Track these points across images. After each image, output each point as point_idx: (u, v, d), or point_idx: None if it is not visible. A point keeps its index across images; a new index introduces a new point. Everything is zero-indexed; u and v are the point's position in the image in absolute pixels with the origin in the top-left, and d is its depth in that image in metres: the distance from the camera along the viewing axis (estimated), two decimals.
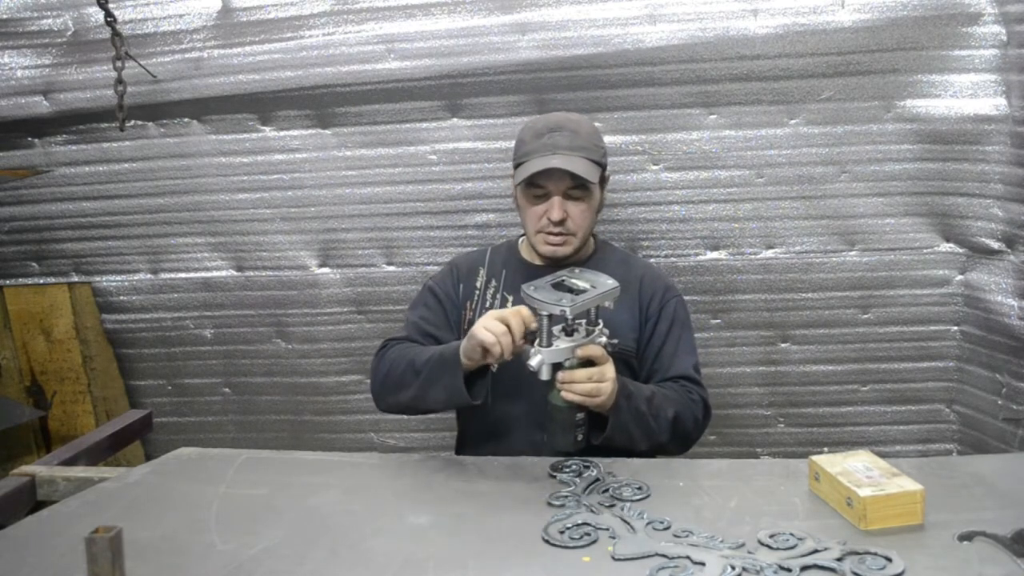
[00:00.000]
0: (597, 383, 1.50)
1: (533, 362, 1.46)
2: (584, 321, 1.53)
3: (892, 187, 2.22)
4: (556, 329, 1.50)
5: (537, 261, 1.87)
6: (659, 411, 1.63)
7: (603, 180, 1.84)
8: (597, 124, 2.24)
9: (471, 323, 1.79)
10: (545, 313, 1.46)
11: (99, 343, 2.66)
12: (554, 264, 1.81)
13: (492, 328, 1.48)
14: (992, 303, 2.17)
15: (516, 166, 1.81)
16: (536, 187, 1.76)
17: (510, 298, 1.82)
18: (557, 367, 1.48)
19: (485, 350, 1.49)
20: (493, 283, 1.87)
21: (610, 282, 1.52)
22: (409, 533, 1.30)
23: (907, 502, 1.22)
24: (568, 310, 1.44)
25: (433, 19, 2.23)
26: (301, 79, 2.29)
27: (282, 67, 2.29)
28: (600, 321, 1.54)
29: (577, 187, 1.75)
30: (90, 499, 1.47)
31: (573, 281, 1.53)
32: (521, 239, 1.94)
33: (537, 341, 1.48)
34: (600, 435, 1.58)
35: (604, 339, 1.52)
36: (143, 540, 1.25)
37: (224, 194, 2.45)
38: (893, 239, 2.26)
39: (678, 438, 1.69)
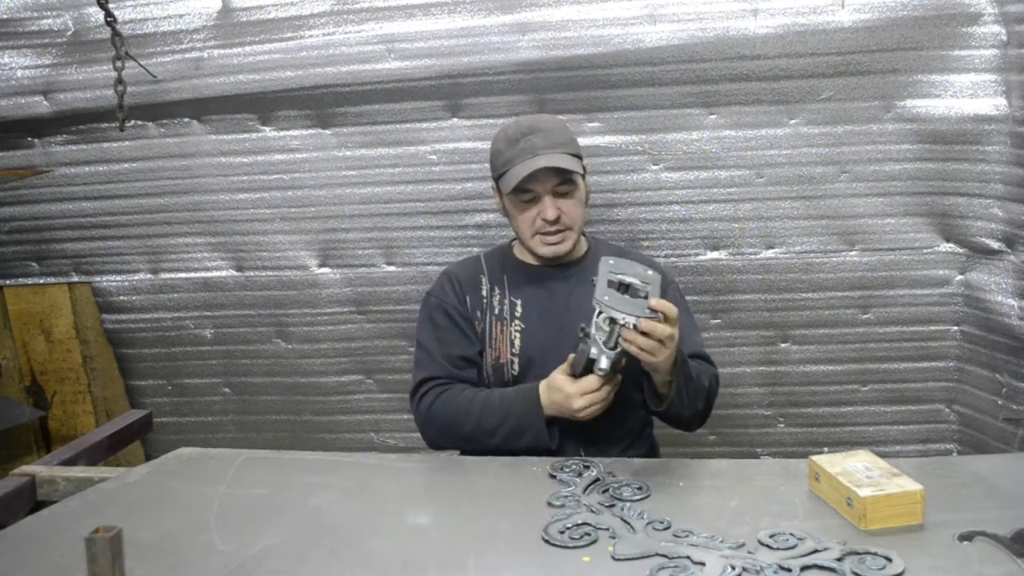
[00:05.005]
0: (663, 341, 1.48)
1: (604, 364, 1.51)
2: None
3: (892, 187, 2.22)
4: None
5: (533, 262, 1.87)
6: (699, 377, 1.69)
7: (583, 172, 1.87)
8: (596, 124, 2.26)
9: (484, 333, 1.81)
10: (621, 321, 1.48)
11: (99, 343, 2.66)
12: (551, 263, 1.83)
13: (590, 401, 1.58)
14: (992, 303, 2.17)
15: (498, 177, 1.80)
16: (524, 192, 1.76)
17: (518, 302, 1.83)
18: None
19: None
20: (497, 290, 1.86)
21: (650, 273, 1.53)
22: (409, 533, 1.30)
23: (907, 502, 1.22)
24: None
25: (433, 19, 2.23)
26: (301, 79, 2.29)
27: (282, 67, 2.29)
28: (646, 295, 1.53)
29: (564, 183, 1.76)
30: (90, 499, 1.47)
31: (620, 277, 1.52)
32: (513, 242, 1.95)
33: (604, 342, 1.50)
34: (661, 401, 1.64)
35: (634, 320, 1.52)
36: (143, 540, 1.25)
37: (224, 194, 2.45)
38: (893, 239, 2.26)
39: (706, 408, 1.75)
